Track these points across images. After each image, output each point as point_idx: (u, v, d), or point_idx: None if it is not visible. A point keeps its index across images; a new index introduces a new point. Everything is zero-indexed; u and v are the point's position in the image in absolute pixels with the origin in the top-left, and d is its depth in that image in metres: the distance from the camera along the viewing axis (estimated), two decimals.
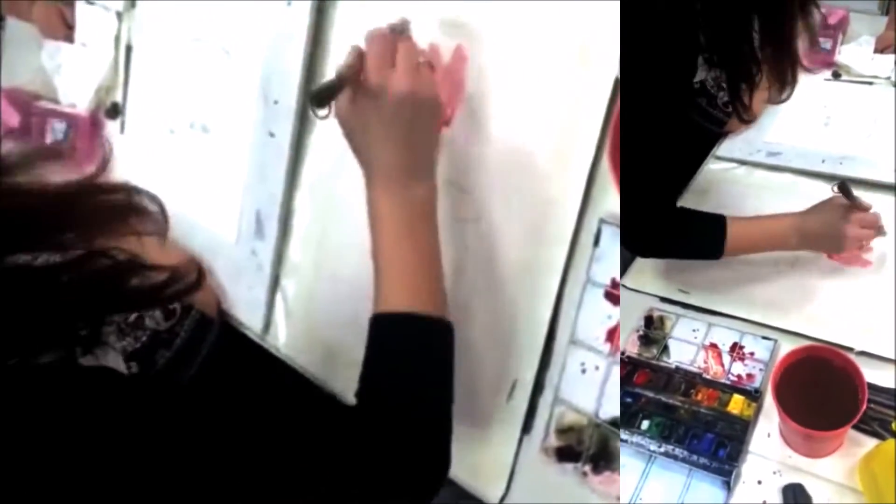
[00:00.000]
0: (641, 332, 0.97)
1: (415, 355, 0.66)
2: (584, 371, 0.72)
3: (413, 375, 0.65)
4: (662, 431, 0.83)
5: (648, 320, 0.99)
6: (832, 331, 0.89)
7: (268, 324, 1.01)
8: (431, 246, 0.70)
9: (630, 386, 0.90)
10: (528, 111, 0.74)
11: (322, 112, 0.68)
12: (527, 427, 0.77)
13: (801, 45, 0.91)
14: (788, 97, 0.94)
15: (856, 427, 0.78)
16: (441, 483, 0.65)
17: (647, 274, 1.03)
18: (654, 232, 0.88)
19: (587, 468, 0.72)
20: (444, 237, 0.72)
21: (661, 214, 0.88)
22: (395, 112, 0.66)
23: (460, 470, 0.82)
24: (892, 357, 0.85)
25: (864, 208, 0.90)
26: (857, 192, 0.91)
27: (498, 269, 0.77)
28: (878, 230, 0.91)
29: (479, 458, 0.80)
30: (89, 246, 0.57)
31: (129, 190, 0.63)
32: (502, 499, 0.79)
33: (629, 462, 0.81)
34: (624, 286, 0.71)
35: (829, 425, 0.74)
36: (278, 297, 1.00)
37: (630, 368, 0.92)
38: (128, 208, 0.61)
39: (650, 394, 0.88)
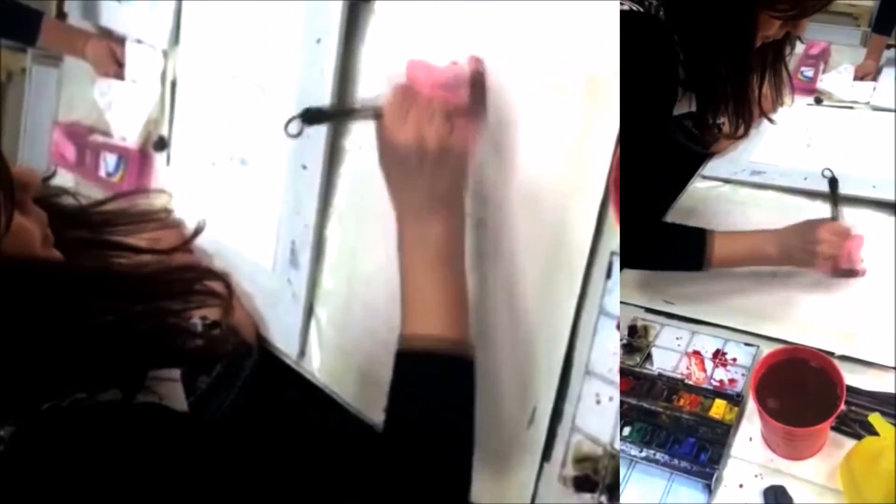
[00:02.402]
0: (625, 341, 0.98)
1: (434, 396, 0.69)
2: (598, 402, 0.74)
3: (433, 415, 0.68)
4: (644, 437, 0.84)
5: (632, 329, 1.00)
6: (813, 336, 0.91)
7: (303, 350, 1.04)
8: (453, 280, 0.72)
9: None
10: (542, 149, 0.75)
11: (295, 129, 0.72)
12: (547, 454, 0.79)
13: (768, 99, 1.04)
14: (743, 134, 1.04)
15: (837, 429, 0.78)
16: None
17: (633, 285, 1.04)
18: (639, 244, 0.90)
19: (603, 498, 0.73)
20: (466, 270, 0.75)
21: (646, 228, 0.91)
22: (404, 159, 0.70)
23: (482, 496, 0.84)
24: (872, 360, 0.87)
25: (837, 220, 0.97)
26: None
27: (516, 301, 0.79)
28: (847, 236, 0.96)
29: (501, 485, 0.81)
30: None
31: (200, 271, 0.68)
32: None
33: None
34: None
35: (808, 424, 0.74)
36: (312, 323, 1.03)
37: None
38: (196, 290, 0.66)
39: (632, 400, 0.89)
